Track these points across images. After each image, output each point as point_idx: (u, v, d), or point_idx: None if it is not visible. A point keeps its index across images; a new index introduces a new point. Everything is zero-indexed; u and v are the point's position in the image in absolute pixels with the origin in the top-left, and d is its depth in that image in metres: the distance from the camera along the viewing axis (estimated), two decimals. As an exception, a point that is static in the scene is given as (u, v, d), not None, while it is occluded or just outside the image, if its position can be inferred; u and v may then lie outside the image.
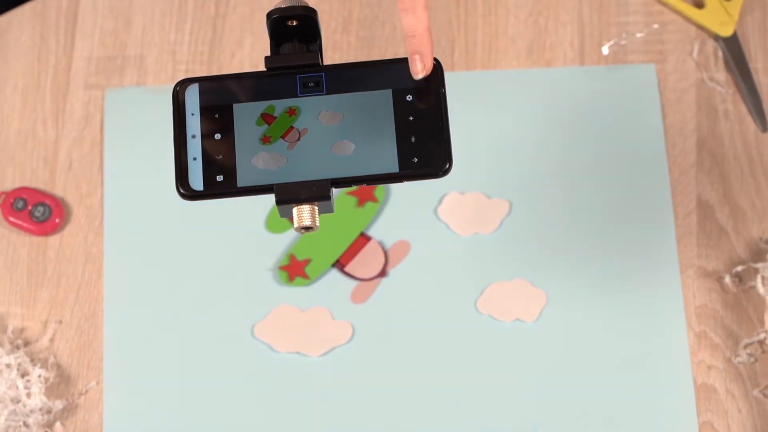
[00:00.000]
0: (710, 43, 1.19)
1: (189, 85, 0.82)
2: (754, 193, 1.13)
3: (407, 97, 0.81)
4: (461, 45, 1.19)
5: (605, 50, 1.18)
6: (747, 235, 1.12)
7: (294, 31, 0.82)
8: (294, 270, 1.11)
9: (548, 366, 1.09)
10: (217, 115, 0.82)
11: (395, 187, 1.13)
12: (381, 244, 1.12)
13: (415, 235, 1.12)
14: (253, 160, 0.80)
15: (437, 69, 0.82)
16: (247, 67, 1.18)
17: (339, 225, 1.12)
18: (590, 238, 1.12)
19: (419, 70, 0.80)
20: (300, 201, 0.79)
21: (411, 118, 0.80)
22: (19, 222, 1.12)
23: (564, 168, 1.15)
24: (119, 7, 1.21)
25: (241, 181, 0.80)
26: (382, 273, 1.11)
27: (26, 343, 1.09)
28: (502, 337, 1.09)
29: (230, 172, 0.80)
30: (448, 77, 0.82)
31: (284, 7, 0.81)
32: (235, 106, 0.82)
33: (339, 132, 0.81)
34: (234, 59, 1.18)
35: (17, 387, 1.06)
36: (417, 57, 0.80)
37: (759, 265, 1.09)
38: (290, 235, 1.12)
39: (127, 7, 1.21)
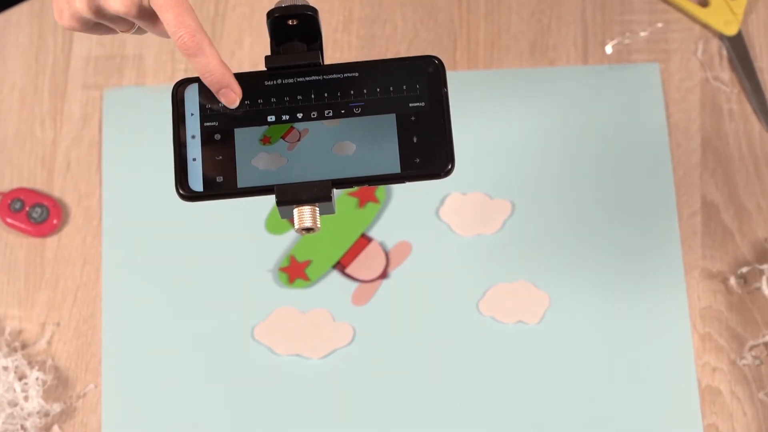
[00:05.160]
0: (715, 42, 1.19)
1: (188, 84, 0.82)
2: (759, 193, 1.13)
3: (409, 96, 0.81)
4: (463, 44, 1.19)
5: (609, 49, 1.19)
6: (752, 236, 1.12)
7: (294, 31, 0.82)
8: (294, 271, 1.11)
9: (551, 368, 1.09)
10: (217, 115, 0.82)
11: (396, 188, 1.14)
12: (382, 246, 1.12)
13: (416, 236, 1.13)
14: (254, 160, 0.80)
15: (439, 68, 0.81)
16: (246, 67, 1.17)
17: (340, 226, 1.12)
18: (593, 238, 1.12)
19: (233, 99, 0.80)
20: (301, 202, 0.79)
21: (413, 118, 0.80)
22: (17, 223, 1.12)
23: (567, 168, 1.15)
24: (118, 7, 1.23)
25: (242, 182, 0.80)
26: (383, 274, 1.11)
27: (24, 346, 1.10)
28: (505, 340, 1.10)
29: (230, 173, 0.80)
30: (450, 77, 0.82)
31: (285, 6, 0.81)
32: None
33: (340, 132, 0.80)
34: (233, 59, 1.18)
35: (14, 390, 1.06)
36: (225, 90, 0.80)
37: (764, 267, 1.10)
38: (291, 237, 1.12)
39: (125, 6, 1.23)
